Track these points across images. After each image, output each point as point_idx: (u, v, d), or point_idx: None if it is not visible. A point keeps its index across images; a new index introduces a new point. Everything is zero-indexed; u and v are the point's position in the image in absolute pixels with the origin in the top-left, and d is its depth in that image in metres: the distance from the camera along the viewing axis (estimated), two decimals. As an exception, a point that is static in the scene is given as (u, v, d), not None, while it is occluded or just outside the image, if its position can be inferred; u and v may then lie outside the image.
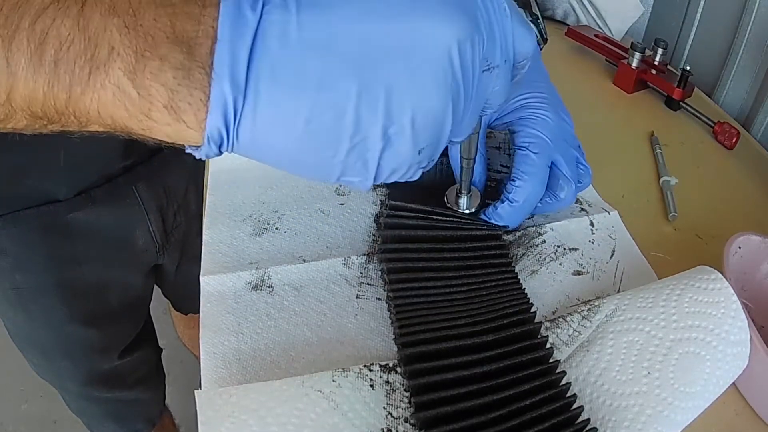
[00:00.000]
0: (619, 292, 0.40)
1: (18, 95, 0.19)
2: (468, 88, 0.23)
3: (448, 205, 0.42)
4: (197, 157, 0.22)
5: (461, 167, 0.38)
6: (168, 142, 0.21)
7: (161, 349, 0.84)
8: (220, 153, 0.21)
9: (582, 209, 0.47)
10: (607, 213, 0.46)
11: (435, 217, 0.40)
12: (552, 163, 0.41)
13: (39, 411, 1.21)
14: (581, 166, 0.44)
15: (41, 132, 0.22)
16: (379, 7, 0.20)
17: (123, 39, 0.19)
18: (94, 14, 0.18)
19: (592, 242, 0.44)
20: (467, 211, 0.41)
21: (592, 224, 0.45)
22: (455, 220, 0.40)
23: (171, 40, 0.19)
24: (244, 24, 0.19)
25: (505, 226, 0.41)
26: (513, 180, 0.39)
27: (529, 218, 0.44)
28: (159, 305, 0.93)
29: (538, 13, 0.47)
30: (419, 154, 0.22)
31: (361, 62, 0.20)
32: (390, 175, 0.23)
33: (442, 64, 0.21)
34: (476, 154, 0.37)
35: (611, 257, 0.43)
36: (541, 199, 0.42)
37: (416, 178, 0.25)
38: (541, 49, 0.48)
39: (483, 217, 0.41)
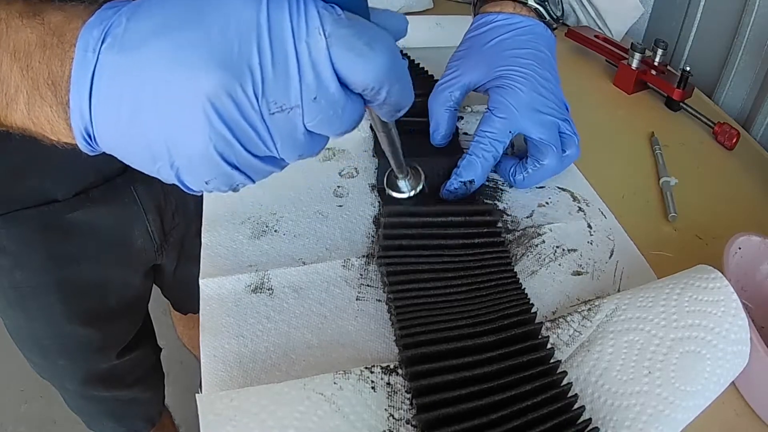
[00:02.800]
0: (619, 291, 0.40)
1: None
2: (241, 133, 0.24)
3: (389, 192, 0.42)
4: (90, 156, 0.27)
5: (387, 155, 0.37)
6: None
7: (160, 349, 0.84)
8: (100, 152, 0.26)
9: (580, 209, 0.47)
10: (603, 217, 0.47)
11: (435, 219, 0.41)
12: (524, 133, 0.45)
13: (39, 411, 1.21)
14: (565, 135, 0.46)
15: None
16: (157, 54, 0.23)
17: (22, 80, 0.24)
18: (4, 59, 0.24)
19: (591, 243, 0.44)
20: (411, 193, 0.41)
21: (589, 226, 0.46)
22: (449, 210, 0.41)
23: (46, 81, 0.24)
24: (85, 66, 0.23)
25: (470, 182, 0.43)
26: (474, 138, 0.44)
27: (527, 217, 0.45)
28: (159, 305, 0.93)
29: None
30: (207, 183, 0.25)
31: (143, 114, 0.23)
32: (199, 191, 0.26)
33: (197, 115, 0.23)
34: (398, 143, 0.35)
35: (610, 257, 0.43)
36: (526, 168, 0.46)
37: (233, 191, 0.27)
38: (554, 29, 0.49)
39: (449, 182, 0.43)
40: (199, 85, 0.22)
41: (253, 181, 0.26)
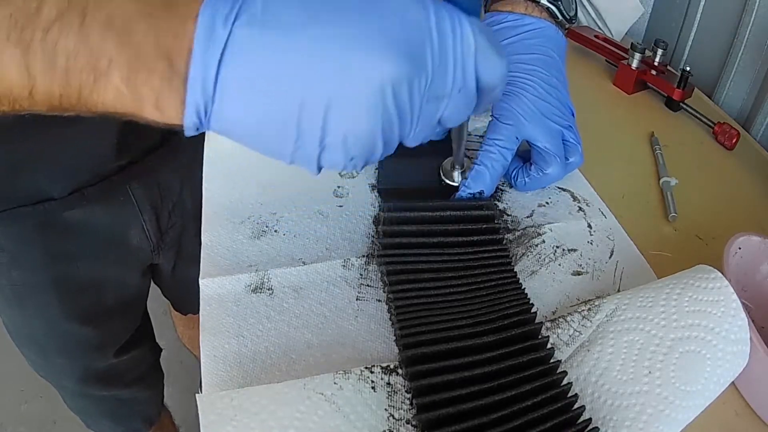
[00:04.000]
0: (619, 291, 0.40)
1: (38, 93, 0.23)
2: (404, 116, 0.26)
3: (443, 177, 0.46)
4: (186, 134, 0.26)
5: (454, 147, 0.43)
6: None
7: (160, 349, 0.84)
8: (201, 131, 0.26)
9: (580, 208, 0.47)
10: (603, 217, 0.47)
11: (428, 213, 0.41)
12: (529, 140, 0.45)
13: (39, 411, 1.21)
14: (569, 143, 0.46)
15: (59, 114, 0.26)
16: (325, 37, 0.23)
17: (119, 52, 0.23)
18: (93, 30, 0.22)
19: (591, 243, 0.44)
20: (458, 183, 0.45)
21: (590, 226, 0.46)
22: (448, 205, 0.42)
23: (156, 53, 0.23)
24: (214, 40, 0.22)
25: (480, 192, 0.44)
26: (481, 147, 0.44)
27: (528, 216, 0.45)
28: (159, 306, 0.93)
29: None
30: (351, 160, 0.27)
31: (305, 83, 0.23)
32: (331, 168, 0.27)
33: (374, 99, 0.24)
34: (465, 136, 0.41)
35: (610, 257, 0.43)
36: (528, 173, 0.46)
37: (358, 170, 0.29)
38: (567, 29, 0.49)
39: (459, 191, 0.44)
40: (384, 69, 0.24)
41: (378, 159, 0.28)
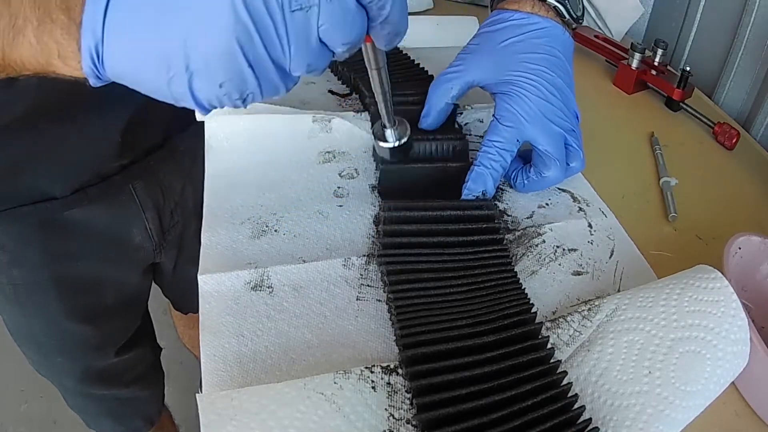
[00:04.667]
0: (619, 291, 0.40)
1: None
2: (264, 27, 0.25)
3: (377, 141, 0.41)
4: (91, 84, 0.28)
5: (376, 101, 0.38)
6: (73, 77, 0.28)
7: (160, 349, 0.84)
8: (103, 82, 0.28)
9: (580, 209, 0.47)
10: (604, 216, 0.47)
11: (428, 212, 0.41)
12: (530, 142, 0.44)
13: (39, 411, 1.21)
14: (571, 147, 0.45)
15: None
16: None
17: (32, 11, 0.26)
18: None
19: (591, 243, 0.44)
20: (396, 144, 0.40)
21: (590, 226, 0.45)
22: (448, 205, 0.42)
23: (59, 6, 0.26)
24: None
25: (483, 193, 0.43)
26: (481, 147, 0.44)
27: (528, 217, 0.45)
28: (159, 306, 0.93)
29: None
30: (221, 87, 0.26)
31: (167, 10, 0.25)
32: (208, 103, 0.27)
33: (223, 8, 0.24)
34: (388, 88, 0.36)
35: (610, 257, 0.43)
36: (528, 175, 0.45)
37: (237, 106, 0.28)
38: (574, 29, 0.47)
39: (463, 193, 0.44)
40: None
41: (262, 96, 0.28)
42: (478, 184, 0.43)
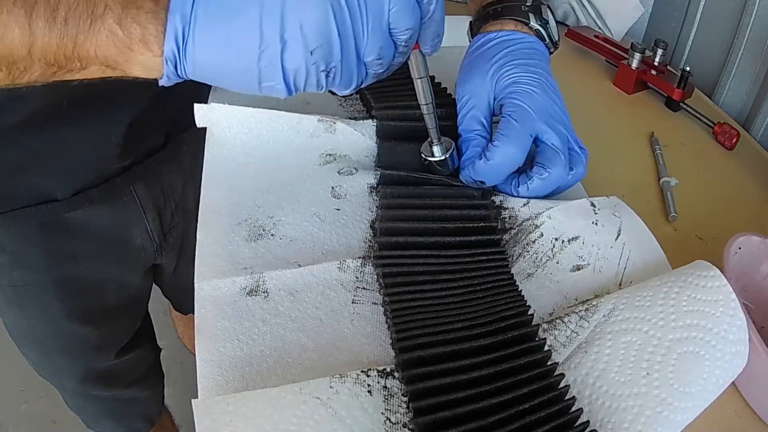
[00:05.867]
0: (621, 283, 0.39)
1: (36, 49, 0.27)
2: (353, 3, 0.29)
3: (424, 156, 0.45)
4: (161, 83, 0.30)
5: (423, 115, 0.42)
6: (142, 77, 0.30)
7: (160, 349, 0.84)
8: (178, 76, 0.29)
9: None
10: (605, 197, 0.45)
11: (429, 212, 0.41)
12: (538, 136, 0.43)
13: (39, 411, 1.22)
14: (573, 152, 0.44)
15: (48, 81, 0.30)
16: None
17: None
18: None
19: (595, 223, 0.42)
20: (441, 157, 0.44)
21: (593, 205, 0.43)
22: (443, 189, 0.42)
23: None
24: None
25: (481, 182, 0.43)
26: (493, 141, 0.43)
27: (524, 205, 0.44)
28: (159, 306, 0.93)
29: (548, 17, 0.48)
30: (312, 54, 0.29)
31: None
32: (295, 77, 0.30)
33: None
34: (432, 100, 0.40)
35: (617, 238, 0.41)
36: (531, 177, 0.43)
37: (322, 87, 0.31)
38: (551, 53, 0.49)
39: (462, 173, 0.43)
40: None
41: (341, 78, 0.31)
42: (478, 173, 0.43)
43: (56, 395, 0.76)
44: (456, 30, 0.72)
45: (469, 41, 0.51)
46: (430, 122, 0.42)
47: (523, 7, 0.47)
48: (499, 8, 0.48)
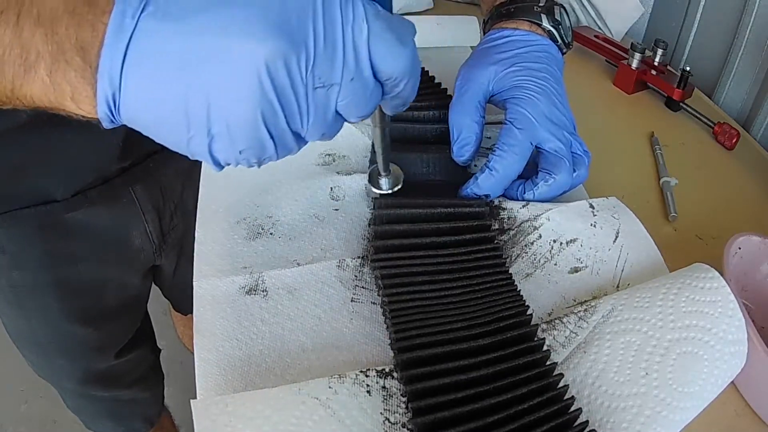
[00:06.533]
0: (619, 285, 0.39)
1: None
2: (287, 102, 0.25)
3: (369, 187, 0.44)
4: (103, 126, 0.27)
5: (375, 151, 0.40)
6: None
7: (159, 350, 0.84)
8: (117, 125, 0.27)
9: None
10: (605, 198, 0.45)
11: (424, 210, 0.41)
12: (540, 143, 0.43)
13: (39, 411, 1.22)
14: (576, 154, 0.45)
15: None
16: (209, 24, 0.24)
17: (44, 46, 0.24)
18: (25, 25, 0.24)
19: (594, 225, 0.42)
20: (389, 191, 0.43)
21: (592, 206, 0.43)
22: (439, 203, 0.41)
23: (74, 46, 0.24)
24: (122, 31, 0.24)
25: (486, 196, 0.43)
26: (494, 151, 0.43)
27: (523, 207, 0.44)
28: (159, 306, 0.93)
29: (560, 18, 0.48)
30: (241, 154, 0.26)
31: (189, 69, 0.24)
32: (225, 163, 0.27)
33: (249, 81, 0.24)
34: (389, 142, 0.39)
35: (615, 241, 0.41)
36: (536, 184, 0.44)
37: (254, 167, 0.28)
38: (564, 53, 0.49)
39: (465, 190, 0.43)
40: (258, 50, 0.24)
41: (278, 157, 0.28)
42: (483, 187, 0.42)
43: (56, 395, 0.76)
44: (456, 30, 0.72)
45: (483, 34, 0.51)
46: (381, 161, 0.40)
47: (535, 7, 0.47)
48: (512, 8, 0.48)
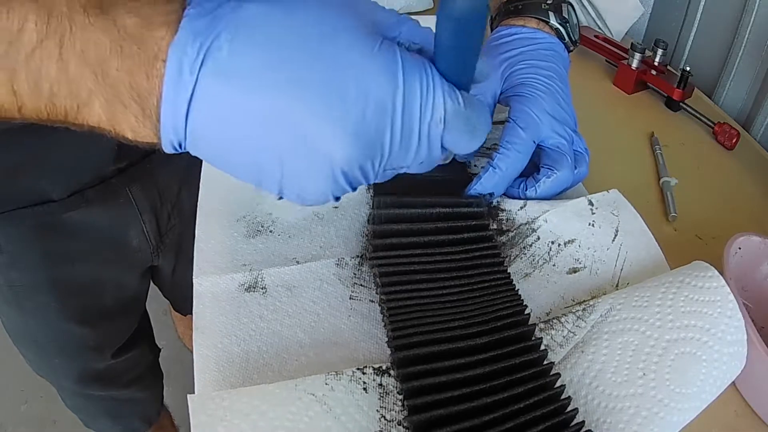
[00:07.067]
0: (618, 284, 0.39)
1: (27, 111, 0.24)
2: (359, 183, 0.27)
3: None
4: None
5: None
6: None
7: (159, 349, 0.84)
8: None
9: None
10: (606, 192, 0.45)
11: (423, 210, 0.41)
12: (543, 141, 0.43)
13: (39, 411, 1.21)
14: (577, 152, 0.45)
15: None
16: (288, 96, 0.23)
17: (97, 86, 0.23)
18: (71, 61, 0.23)
19: (592, 225, 0.42)
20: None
21: (591, 203, 0.43)
22: (437, 202, 0.41)
23: (130, 93, 0.23)
24: (182, 86, 0.23)
25: (490, 194, 0.43)
26: (498, 149, 0.43)
27: (521, 208, 0.44)
28: (159, 306, 0.93)
29: (569, 16, 0.48)
30: (310, 205, 0.28)
31: (262, 140, 0.24)
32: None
33: (324, 175, 0.25)
34: None
35: (614, 240, 0.41)
36: (538, 180, 0.44)
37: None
38: (570, 51, 0.49)
39: (469, 190, 0.43)
40: (336, 155, 0.24)
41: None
42: (487, 186, 0.42)
43: (56, 395, 0.76)
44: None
45: (490, 30, 0.51)
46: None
47: (543, 5, 0.47)
48: (520, 5, 0.48)
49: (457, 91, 0.27)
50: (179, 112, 0.23)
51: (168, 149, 0.25)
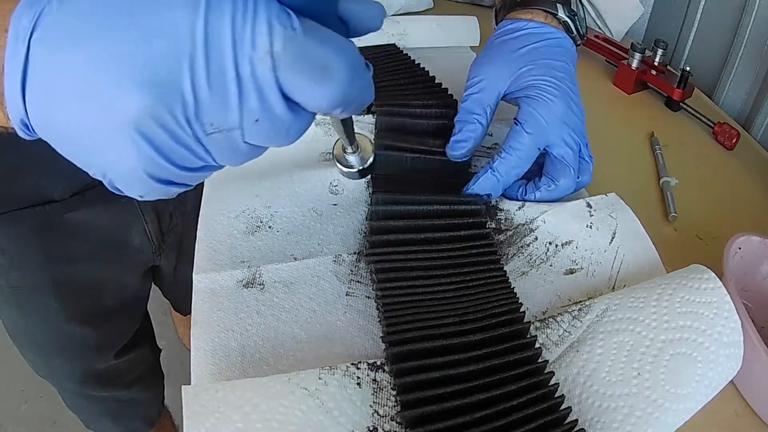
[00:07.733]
0: (614, 286, 0.39)
1: None
2: (177, 156, 0.22)
3: (338, 165, 0.38)
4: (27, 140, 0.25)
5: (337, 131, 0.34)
6: None
7: (159, 350, 0.84)
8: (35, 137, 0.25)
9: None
10: (604, 195, 0.44)
11: (420, 207, 0.40)
12: (548, 148, 0.42)
13: (39, 411, 1.22)
14: (583, 161, 0.44)
15: None
16: (82, 65, 0.20)
17: None
18: None
19: (590, 227, 0.41)
20: (360, 168, 0.37)
21: (589, 206, 0.43)
22: (435, 200, 0.41)
23: None
24: (16, 57, 0.21)
25: (487, 195, 0.42)
26: (500, 152, 0.42)
27: (519, 208, 0.43)
28: (159, 306, 0.93)
29: (577, 9, 0.46)
30: (142, 197, 0.25)
31: (72, 115, 0.21)
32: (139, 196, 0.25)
33: (124, 140, 0.21)
34: (352, 127, 0.33)
35: (611, 242, 0.41)
36: (538, 187, 0.43)
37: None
38: (578, 45, 0.47)
39: (466, 189, 0.43)
40: (124, 109, 0.20)
41: (191, 186, 0.25)
42: (483, 188, 0.42)
43: (56, 395, 0.76)
44: (456, 30, 0.72)
45: (495, 23, 0.49)
46: (346, 139, 0.35)
47: None
48: None
49: (293, 15, 0.20)
50: (15, 83, 0.21)
51: (21, 134, 0.23)
